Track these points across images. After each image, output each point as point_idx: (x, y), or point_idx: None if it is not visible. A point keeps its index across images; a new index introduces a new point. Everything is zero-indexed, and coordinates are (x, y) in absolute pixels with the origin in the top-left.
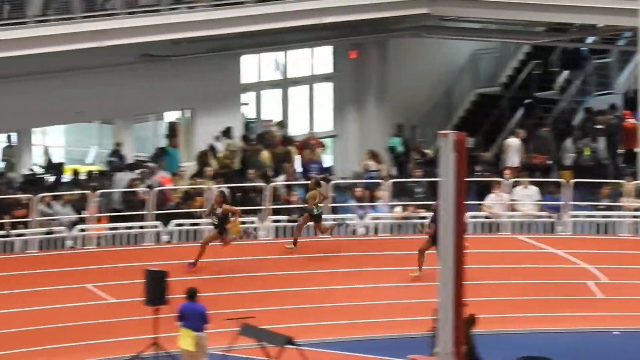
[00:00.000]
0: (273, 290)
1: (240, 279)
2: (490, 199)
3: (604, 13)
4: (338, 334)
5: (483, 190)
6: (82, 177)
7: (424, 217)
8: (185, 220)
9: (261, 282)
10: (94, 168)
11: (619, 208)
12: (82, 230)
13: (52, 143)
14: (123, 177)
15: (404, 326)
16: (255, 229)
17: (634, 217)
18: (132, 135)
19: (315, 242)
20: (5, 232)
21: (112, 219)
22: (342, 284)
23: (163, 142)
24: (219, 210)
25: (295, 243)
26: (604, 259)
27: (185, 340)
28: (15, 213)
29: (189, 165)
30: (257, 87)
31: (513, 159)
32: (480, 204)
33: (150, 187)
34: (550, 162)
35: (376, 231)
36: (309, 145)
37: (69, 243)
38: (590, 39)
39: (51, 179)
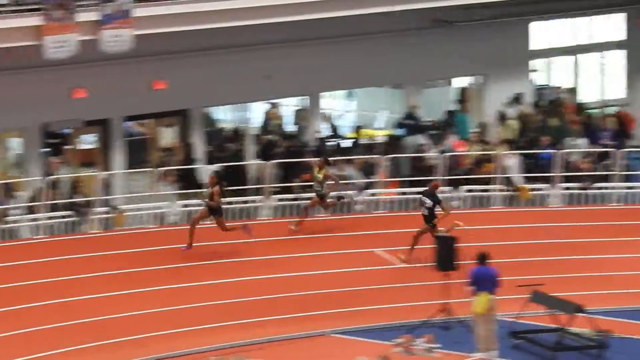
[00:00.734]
0: (560, 258)
1: (528, 247)
2: None
3: None
4: (624, 303)
5: None
6: (372, 141)
7: None
8: (476, 187)
9: (551, 250)
10: (384, 132)
11: None
12: (372, 194)
13: (343, 108)
14: (414, 142)
15: None
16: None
17: None
18: (422, 100)
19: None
20: (294, 195)
21: (401, 184)
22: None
23: (451, 107)
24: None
25: (298, 224)
26: None
27: (479, 303)
28: (304, 177)
29: (481, 131)
30: (547, 53)
31: None
32: None
33: (443, 151)
34: None
35: None
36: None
37: (358, 207)
38: None
39: (342, 143)
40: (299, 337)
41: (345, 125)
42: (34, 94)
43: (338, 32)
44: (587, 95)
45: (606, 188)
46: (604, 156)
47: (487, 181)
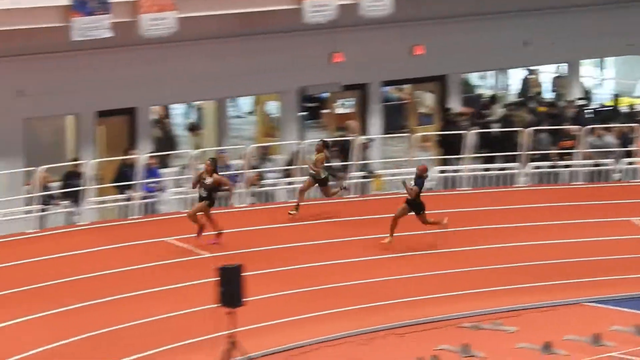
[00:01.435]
0: None
1: None
2: None
3: None
4: None
5: None
6: (631, 109)
7: None
8: None
9: None
10: None
11: None
12: (630, 163)
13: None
14: None
15: None
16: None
17: None
18: None
19: None
20: (552, 162)
21: None
22: None
23: None
24: (208, 180)
25: (297, 208)
26: None
27: None
28: (563, 144)
29: None
30: None
31: None
32: None
33: None
34: None
35: None
36: None
37: (616, 176)
38: None
39: (599, 111)
40: (553, 305)
41: (603, 93)
42: (293, 58)
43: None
44: None
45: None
46: None
47: None
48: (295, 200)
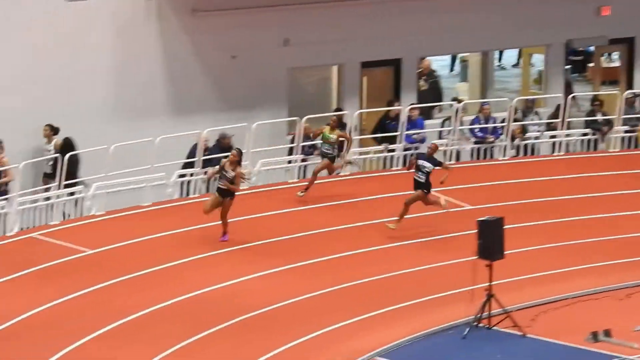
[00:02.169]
0: None
1: None
2: None
3: None
4: None
5: None
6: None
7: None
8: None
9: None
10: None
11: None
12: None
13: None
14: None
15: None
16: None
17: None
18: None
19: None
20: None
21: None
22: None
23: None
24: (230, 174)
25: (307, 189)
26: None
27: None
28: None
29: None
30: None
31: None
32: None
33: None
34: None
35: None
36: None
37: None
38: None
39: None
40: None
41: None
42: (560, 11)
43: None
44: None
45: None
46: None
47: None
48: (308, 181)
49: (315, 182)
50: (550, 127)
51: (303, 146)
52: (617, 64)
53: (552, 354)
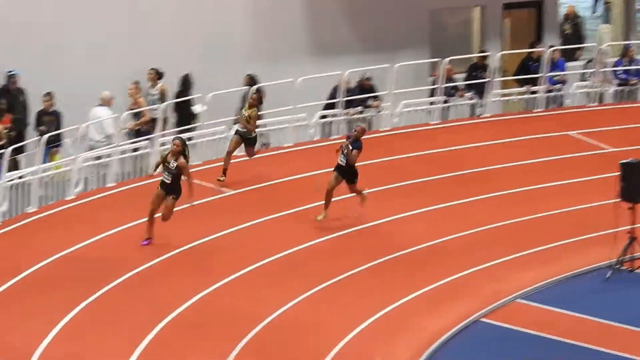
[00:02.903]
0: None
1: None
2: None
3: None
4: None
5: None
6: None
7: None
8: None
9: None
10: None
11: None
12: None
13: None
14: None
15: None
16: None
17: None
18: None
19: None
20: None
21: None
22: None
23: None
24: (173, 164)
25: (224, 173)
26: None
27: None
28: None
29: None
30: None
31: None
32: None
33: None
34: None
35: None
36: None
37: None
38: None
39: None
40: None
41: None
42: None
43: None
44: None
45: None
46: None
47: None
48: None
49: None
50: None
51: (445, 88)
52: None
53: None
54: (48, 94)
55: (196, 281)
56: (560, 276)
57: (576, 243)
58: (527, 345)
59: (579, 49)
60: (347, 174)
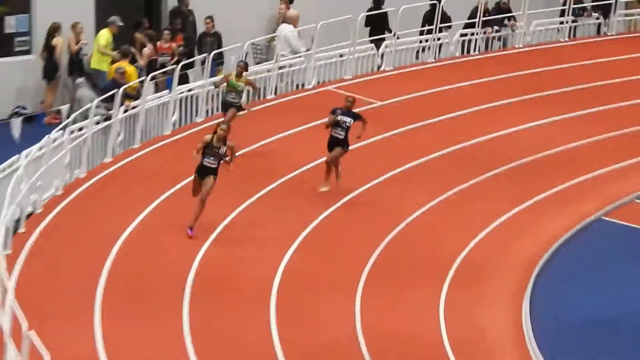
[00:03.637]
0: None
1: None
2: None
3: None
4: None
5: None
6: None
7: None
8: None
9: None
10: None
11: None
12: None
13: None
14: None
15: None
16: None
17: None
18: None
19: None
20: None
21: None
22: None
23: None
24: (223, 149)
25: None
26: None
27: None
28: None
29: None
30: None
31: None
32: None
33: None
34: None
35: None
36: None
37: None
38: None
39: None
40: None
41: None
42: None
43: None
44: None
45: None
46: None
47: None
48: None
49: None
50: None
51: (574, 8)
52: None
53: None
54: (209, 17)
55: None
56: None
57: None
58: None
59: None
60: (342, 143)
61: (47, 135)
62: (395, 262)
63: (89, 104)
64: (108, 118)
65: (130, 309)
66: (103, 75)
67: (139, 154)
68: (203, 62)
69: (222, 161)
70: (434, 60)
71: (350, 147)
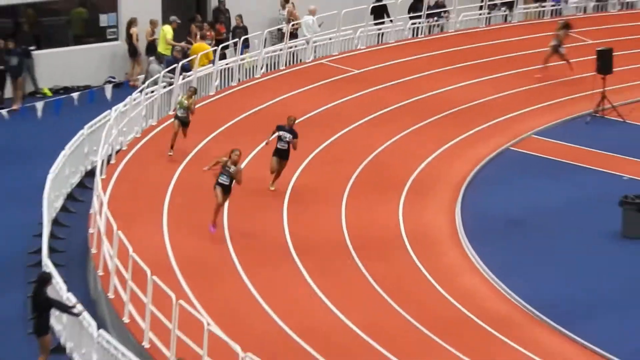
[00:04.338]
0: None
1: None
2: None
3: None
4: None
5: None
6: None
7: None
8: None
9: None
10: None
11: None
12: None
13: None
14: None
15: None
16: None
17: None
18: None
19: None
20: None
21: None
22: None
23: None
24: (233, 169)
25: (172, 147)
26: None
27: None
28: None
29: None
30: None
31: None
32: None
33: None
34: None
35: None
36: None
37: None
38: None
39: None
40: None
41: None
42: None
43: None
44: None
45: None
46: None
47: None
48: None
49: None
50: None
51: (489, 4)
52: None
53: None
54: (239, 15)
55: None
56: (559, 120)
57: (566, 101)
58: (540, 164)
59: None
60: (285, 154)
61: (129, 96)
62: (369, 178)
63: (157, 74)
64: (170, 84)
65: (189, 216)
66: (167, 57)
67: None
68: (235, 45)
69: (233, 180)
70: (392, 41)
71: (336, 102)
